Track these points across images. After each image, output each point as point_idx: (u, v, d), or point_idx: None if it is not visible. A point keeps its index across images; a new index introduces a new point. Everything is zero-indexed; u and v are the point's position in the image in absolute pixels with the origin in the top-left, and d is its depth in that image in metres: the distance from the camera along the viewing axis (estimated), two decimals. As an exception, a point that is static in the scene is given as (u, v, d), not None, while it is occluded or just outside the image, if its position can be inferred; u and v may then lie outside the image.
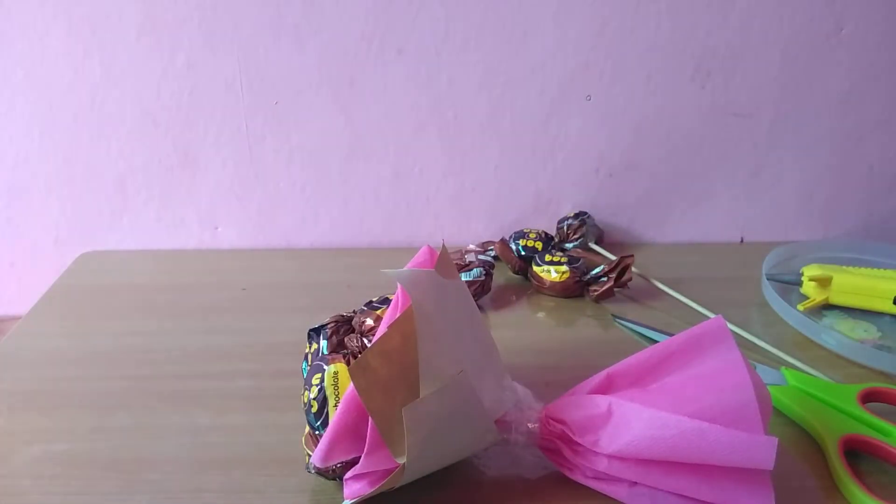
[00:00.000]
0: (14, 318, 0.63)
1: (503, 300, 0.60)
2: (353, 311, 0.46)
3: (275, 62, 0.61)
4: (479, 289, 0.57)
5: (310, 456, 0.38)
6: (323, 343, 0.44)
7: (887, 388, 0.45)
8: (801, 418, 0.44)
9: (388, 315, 0.41)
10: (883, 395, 0.45)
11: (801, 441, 0.43)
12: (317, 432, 0.38)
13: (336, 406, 0.37)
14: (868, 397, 0.44)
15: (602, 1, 0.60)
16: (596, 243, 0.66)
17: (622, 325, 0.55)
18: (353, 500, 0.36)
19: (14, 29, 0.59)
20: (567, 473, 0.39)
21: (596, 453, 0.37)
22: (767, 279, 0.58)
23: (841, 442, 0.41)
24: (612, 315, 0.56)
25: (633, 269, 0.59)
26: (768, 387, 0.42)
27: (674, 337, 0.39)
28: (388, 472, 0.35)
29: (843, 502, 0.38)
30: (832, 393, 0.44)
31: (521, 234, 0.64)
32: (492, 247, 0.64)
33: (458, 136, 0.65)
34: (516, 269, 0.63)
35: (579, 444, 0.37)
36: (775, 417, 0.44)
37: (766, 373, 0.47)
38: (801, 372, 0.47)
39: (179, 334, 0.54)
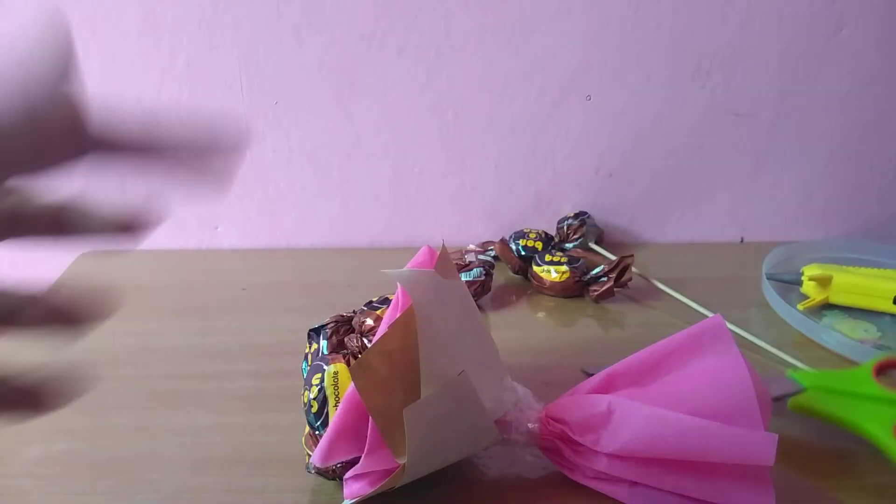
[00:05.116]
0: (14, 319, 0.63)
1: (503, 300, 0.60)
2: (353, 311, 0.46)
3: (275, 62, 0.61)
4: (479, 289, 0.57)
5: (310, 456, 0.38)
6: (323, 343, 0.44)
7: None
8: (839, 419, 0.42)
9: (388, 315, 0.41)
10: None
11: (810, 442, 0.43)
12: (317, 432, 0.38)
13: (336, 406, 0.37)
14: (882, 370, 0.44)
15: (602, 1, 0.60)
16: (596, 243, 0.66)
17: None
18: (353, 500, 0.36)
19: (14, 29, 0.59)
20: (567, 473, 0.39)
21: (596, 453, 0.37)
22: (767, 279, 0.58)
23: (895, 428, 0.40)
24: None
25: (633, 269, 0.59)
26: (791, 399, 0.42)
27: (673, 336, 0.40)
28: (388, 472, 0.35)
29: None
30: (850, 382, 0.44)
31: (521, 234, 0.64)
32: (492, 247, 0.64)
33: (458, 136, 0.65)
34: (516, 269, 0.63)
35: (579, 444, 0.37)
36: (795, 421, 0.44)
37: (779, 383, 0.44)
38: (805, 371, 0.47)
39: (179, 334, 0.54)
